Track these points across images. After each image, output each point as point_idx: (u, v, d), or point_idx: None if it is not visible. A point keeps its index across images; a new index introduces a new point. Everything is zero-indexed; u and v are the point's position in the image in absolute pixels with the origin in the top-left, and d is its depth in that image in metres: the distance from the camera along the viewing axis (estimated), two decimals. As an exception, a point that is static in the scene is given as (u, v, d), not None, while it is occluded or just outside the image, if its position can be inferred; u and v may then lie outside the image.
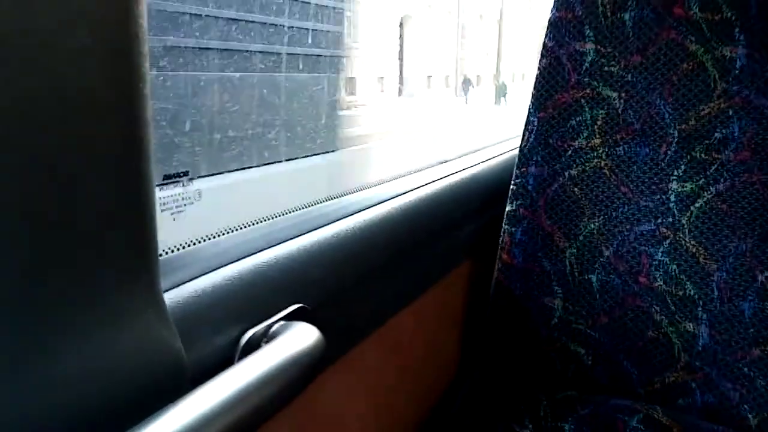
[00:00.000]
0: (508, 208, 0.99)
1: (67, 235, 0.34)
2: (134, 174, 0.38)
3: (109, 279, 0.37)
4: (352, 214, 0.72)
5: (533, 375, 1.01)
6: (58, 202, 0.33)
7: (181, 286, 0.49)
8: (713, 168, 0.87)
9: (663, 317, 0.90)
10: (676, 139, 0.89)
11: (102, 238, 0.36)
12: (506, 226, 0.99)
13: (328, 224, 0.67)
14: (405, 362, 0.91)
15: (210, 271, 0.52)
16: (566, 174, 0.95)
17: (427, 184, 0.91)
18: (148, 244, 0.40)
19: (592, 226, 0.93)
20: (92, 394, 0.36)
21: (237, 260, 0.55)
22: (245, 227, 0.63)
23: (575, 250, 0.95)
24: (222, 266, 0.54)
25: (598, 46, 0.92)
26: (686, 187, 0.88)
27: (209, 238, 0.59)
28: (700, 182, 0.87)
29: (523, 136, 0.98)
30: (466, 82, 14.29)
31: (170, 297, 0.47)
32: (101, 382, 0.37)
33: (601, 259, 0.93)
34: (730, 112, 0.86)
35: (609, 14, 0.91)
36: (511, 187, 0.99)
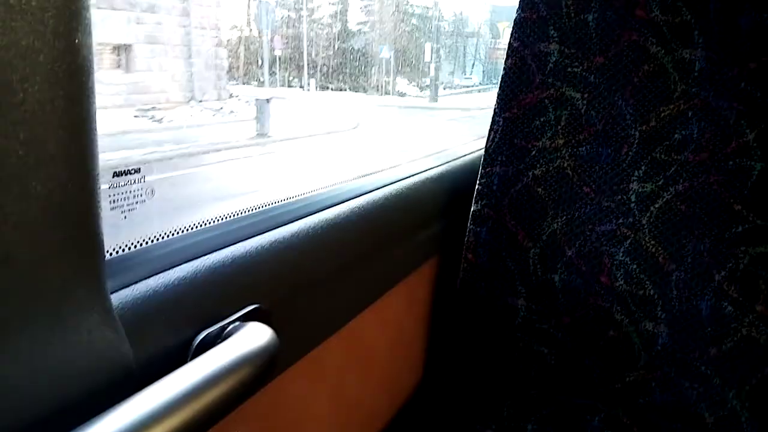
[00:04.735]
0: (473, 208, 0.99)
1: (7, 234, 0.33)
2: (79, 172, 0.37)
3: (52, 280, 0.36)
4: (313, 213, 0.72)
5: (497, 375, 1.01)
6: None
7: (131, 286, 0.48)
8: (672, 169, 0.88)
9: (624, 317, 0.91)
10: (637, 140, 0.90)
11: (44, 238, 0.35)
12: (471, 226, 0.99)
13: (287, 223, 0.67)
14: (369, 362, 0.90)
15: (162, 271, 0.51)
16: (530, 174, 0.95)
17: (390, 183, 0.91)
18: (94, 244, 0.39)
19: (555, 225, 0.94)
20: (34, 394, 0.35)
21: (191, 260, 0.54)
22: (200, 227, 0.62)
23: (539, 250, 0.95)
24: (175, 266, 0.52)
25: (562, 47, 0.93)
26: (646, 187, 0.89)
27: (162, 238, 0.58)
28: (660, 183, 0.89)
29: (489, 136, 0.98)
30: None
31: (119, 297, 0.46)
32: (43, 383, 0.36)
33: (564, 259, 0.94)
34: (690, 114, 0.87)
35: (573, 15, 0.92)
36: (477, 186, 0.99)
